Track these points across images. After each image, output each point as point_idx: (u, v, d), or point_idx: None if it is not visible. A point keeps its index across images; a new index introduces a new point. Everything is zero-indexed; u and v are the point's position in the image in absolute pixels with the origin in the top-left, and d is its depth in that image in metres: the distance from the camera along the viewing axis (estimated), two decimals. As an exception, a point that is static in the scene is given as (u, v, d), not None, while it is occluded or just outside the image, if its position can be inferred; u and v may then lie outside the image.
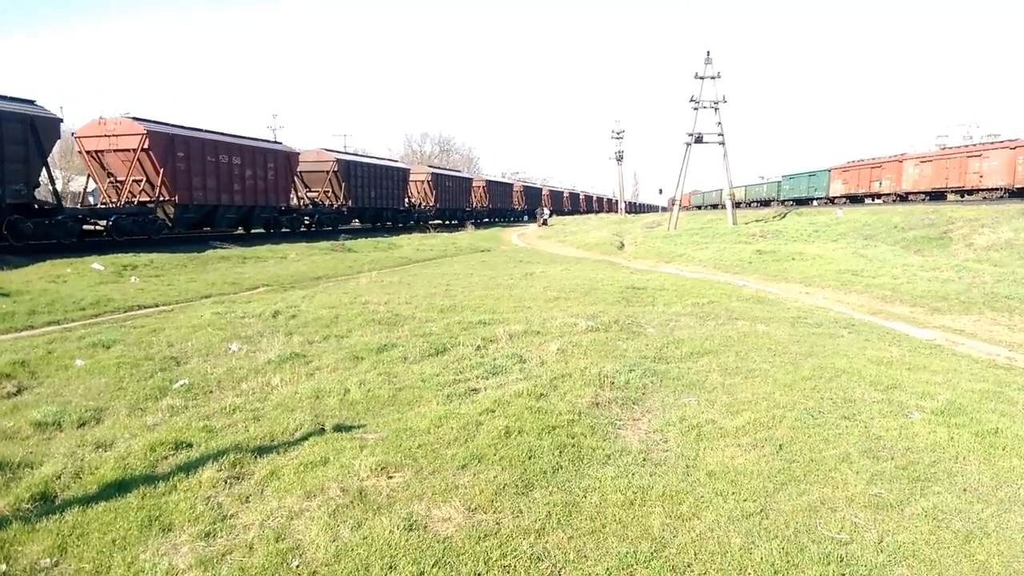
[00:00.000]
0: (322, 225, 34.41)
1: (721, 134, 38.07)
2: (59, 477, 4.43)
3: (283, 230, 31.16)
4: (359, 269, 18.96)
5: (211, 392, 6.47)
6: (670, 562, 3.46)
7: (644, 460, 4.75)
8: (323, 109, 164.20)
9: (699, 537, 3.68)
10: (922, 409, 5.80)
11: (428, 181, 47.74)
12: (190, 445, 4.97)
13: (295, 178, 32.45)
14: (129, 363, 7.30)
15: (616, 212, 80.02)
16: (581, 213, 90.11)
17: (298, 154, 32.91)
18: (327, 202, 35.95)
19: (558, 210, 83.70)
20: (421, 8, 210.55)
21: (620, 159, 69.49)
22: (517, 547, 3.57)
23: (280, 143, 31.93)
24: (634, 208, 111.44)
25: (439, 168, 55.36)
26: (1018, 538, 3.72)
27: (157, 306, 11.77)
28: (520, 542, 3.62)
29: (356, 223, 40.35)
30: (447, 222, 48.32)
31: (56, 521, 3.85)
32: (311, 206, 34.77)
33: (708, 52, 37.48)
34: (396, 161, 49.64)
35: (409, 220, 44.27)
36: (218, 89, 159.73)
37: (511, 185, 71.14)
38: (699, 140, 38.27)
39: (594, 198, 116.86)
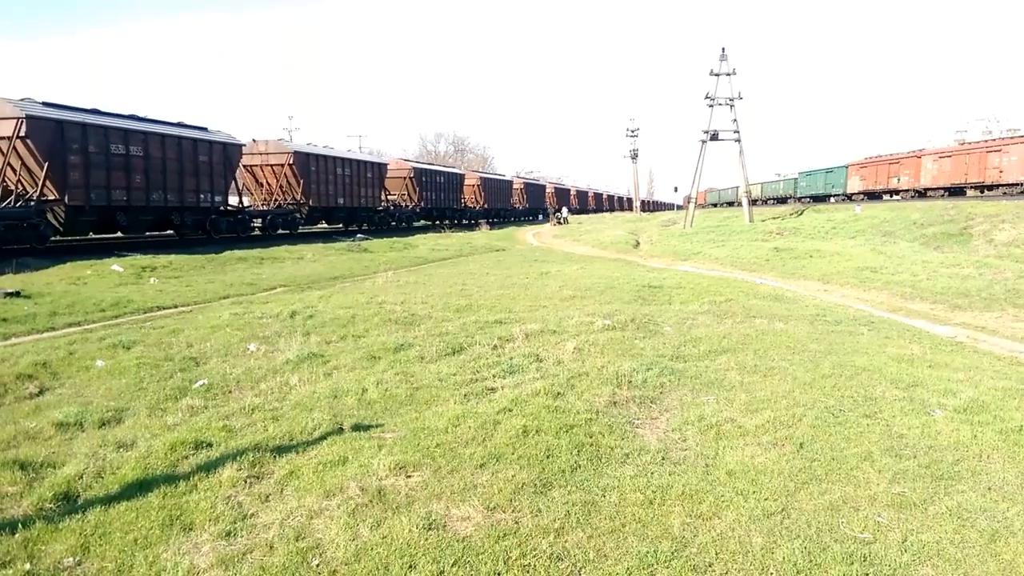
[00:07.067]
0: (400, 222, 41.04)
1: (737, 131, 37.72)
2: (81, 477, 4.46)
3: (374, 227, 36.99)
4: (375, 269, 19.03)
5: (230, 392, 6.52)
6: (691, 562, 3.44)
7: (663, 459, 4.72)
8: (337, 109, 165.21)
9: (720, 536, 3.65)
10: (944, 407, 5.73)
11: (478, 185, 55.40)
12: (210, 445, 5.00)
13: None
14: (149, 364, 7.37)
15: (631, 210, 79.91)
16: (597, 211, 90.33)
17: (386, 165, 40.10)
18: (404, 203, 42.47)
19: (583, 208, 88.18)
20: (434, 7, 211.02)
21: (635, 157, 68.98)
22: (537, 546, 3.56)
23: (373, 155, 37.82)
24: (649, 206, 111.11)
25: (486, 173, 65.39)
26: (1046, 538, 3.65)
27: (176, 307, 11.87)
28: (539, 541, 3.61)
29: (423, 221, 45.88)
30: (492, 220, 54.66)
31: (79, 521, 3.88)
32: (392, 207, 40.83)
33: (723, 49, 37.11)
34: (452, 167, 57.05)
35: (463, 218, 50.60)
36: (233, 89, 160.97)
37: (544, 186, 79.34)
38: (714, 137, 37.95)
39: (612, 197, 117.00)
